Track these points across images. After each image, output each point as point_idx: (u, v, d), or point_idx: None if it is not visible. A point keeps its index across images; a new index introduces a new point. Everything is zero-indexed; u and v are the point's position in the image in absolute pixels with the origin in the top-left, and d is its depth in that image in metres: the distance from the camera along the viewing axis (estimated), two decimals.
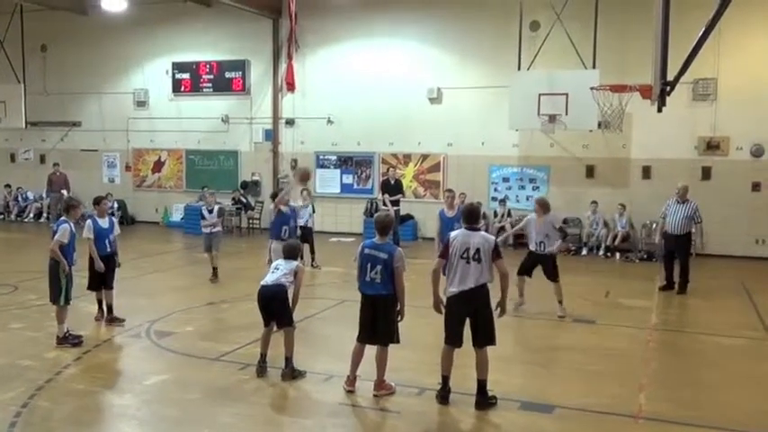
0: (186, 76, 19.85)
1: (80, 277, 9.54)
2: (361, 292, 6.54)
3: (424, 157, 17.83)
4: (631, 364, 7.67)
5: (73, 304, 8.32)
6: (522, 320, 9.44)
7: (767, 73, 14.70)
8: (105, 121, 21.13)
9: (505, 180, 17.19)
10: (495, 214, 16.76)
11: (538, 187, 16.86)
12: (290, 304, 7.08)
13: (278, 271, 7.11)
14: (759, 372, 7.45)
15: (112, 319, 8.94)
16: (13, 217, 21.46)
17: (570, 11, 14.43)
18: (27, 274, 11.73)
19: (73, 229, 8.13)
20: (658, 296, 11.33)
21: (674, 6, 6.36)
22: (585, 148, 16.15)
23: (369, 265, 6.41)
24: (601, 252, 15.67)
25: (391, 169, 16.91)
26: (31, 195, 21.67)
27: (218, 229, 12.12)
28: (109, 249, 8.97)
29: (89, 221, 8.92)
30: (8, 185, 21.87)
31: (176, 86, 20.01)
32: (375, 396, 6.50)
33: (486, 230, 10.13)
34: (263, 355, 7.09)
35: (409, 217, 17.55)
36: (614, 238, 15.53)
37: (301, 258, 7.43)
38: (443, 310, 6.47)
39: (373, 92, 17.91)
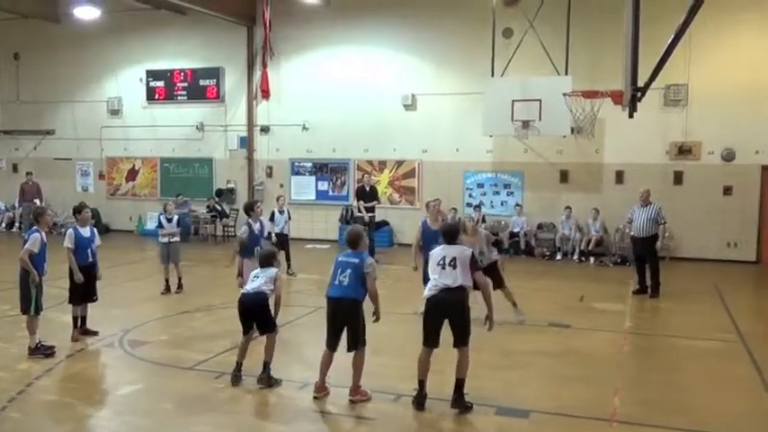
0: (160, 83, 19.70)
1: (51, 287, 9.39)
2: (327, 296, 6.55)
3: (399, 163, 17.88)
4: (606, 368, 7.73)
5: (45, 314, 8.18)
6: (497, 326, 9.46)
7: (737, 78, 14.99)
8: (79, 129, 20.88)
9: (480, 186, 17.29)
10: (471, 220, 16.78)
11: (512, 192, 16.99)
12: (273, 311, 7.05)
13: (258, 279, 7.07)
14: (732, 374, 7.56)
15: (86, 332, 8.75)
16: None
17: (542, 18, 14.59)
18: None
19: (44, 238, 7.99)
20: (632, 300, 11.45)
21: (644, 14, 6.47)
22: (559, 153, 16.32)
23: (339, 270, 6.50)
24: (575, 257, 15.82)
25: (366, 176, 16.91)
26: (2, 205, 21.28)
27: (177, 238, 11.73)
28: (91, 259, 8.76)
29: (70, 230, 8.68)
30: None
31: (150, 94, 19.85)
32: (351, 401, 6.48)
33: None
34: (239, 364, 7.02)
35: (385, 223, 17.56)
36: (588, 242, 15.69)
37: (278, 264, 7.37)
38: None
39: (348, 99, 17.93)
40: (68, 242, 8.54)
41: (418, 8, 17.10)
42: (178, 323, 9.69)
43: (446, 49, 17.02)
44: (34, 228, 8.08)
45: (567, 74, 14.28)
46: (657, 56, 6.73)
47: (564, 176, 16.46)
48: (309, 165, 18.77)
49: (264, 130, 19.08)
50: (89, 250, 8.72)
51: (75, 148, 20.99)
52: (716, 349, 8.60)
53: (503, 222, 16.92)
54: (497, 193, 17.15)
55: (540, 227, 16.66)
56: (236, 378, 6.97)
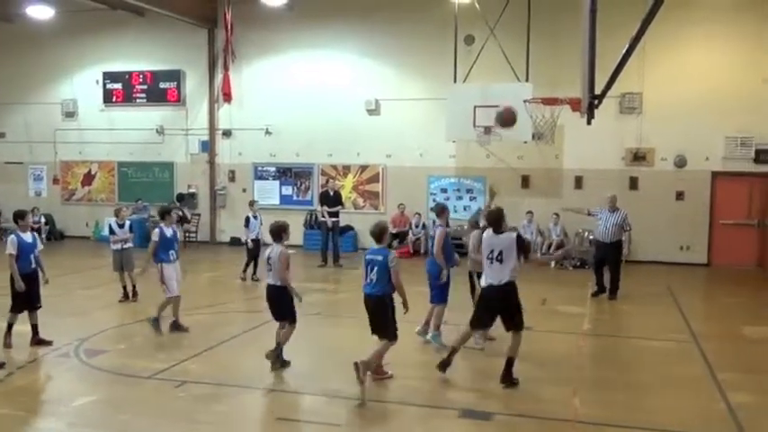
0: (118, 86, 19.32)
1: (1, 296, 9.10)
2: (366, 293, 7.12)
3: (363, 168, 17.89)
4: (566, 370, 7.86)
5: None
6: (457, 329, 9.54)
7: (688, 88, 15.45)
8: (31, 132, 20.31)
9: (443, 191, 17.41)
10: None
11: (475, 197, 17.16)
12: (290, 297, 7.54)
13: (272, 267, 7.49)
14: (687, 373, 7.76)
15: (39, 341, 8.50)
16: None
17: (503, 26, 14.81)
18: None
19: None
20: (591, 302, 11.67)
21: (600, 25, 6.61)
22: (520, 158, 16.55)
23: (369, 269, 7.04)
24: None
25: (330, 180, 16.85)
26: None
27: (130, 245, 11.45)
28: (33, 266, 8.45)
29: (12, 236, 8.33)
30: None
31: (107, 97, 19.45)
32: (374, 380, 7.05)
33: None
34: (277, 343, 7.58)
35: (349, 228, 17.54)
36: (549, 246, 15.94)
37: (286, 237, 7.82)
38: None
39: (312, 103, 17.86)
40: (11, 248, 8.20)
41: (381, 14, 17.17)
42: (136, 331, 9.48)
43: (409, 54, 17.11)
44: None
45: (527, 81, 14.50)
46: (613, 65, 6.88)
47: (525, 181, 16.70)
48: (273, 169, 18.63)
49: (226, 133, 18.87)
50: (32, 256, 8.43)
51: (28, 151, 20.42)
52: (671, 349, 8.82)
53: (466, 227, 17.04)
54: (460, 197, 17.30)
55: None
56: (268, 354, 7.50)
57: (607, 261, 11.85)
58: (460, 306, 8.72)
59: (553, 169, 16.48)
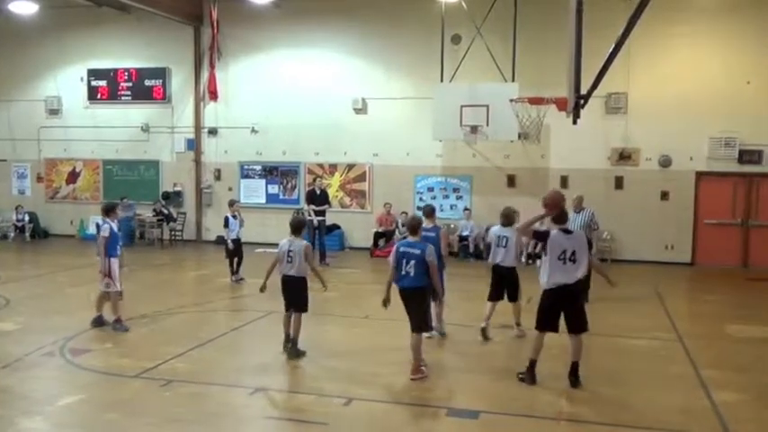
0: (103, 83, 19.18)
1: None
2: (398, 287, 7.22)
3: (350, 167, 17.88)
4: (552, 368, 7.89)
5: None
6: (448, 327, 9.57)
7: (672, 88, 15.60)
8: (14, 129, 20.10)
9: (430, 190, 17.45)
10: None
11: (461, 197, 17.22)
12: (306, 288, 7.88)
13: (293, 259, 7.79)
14: (671, 372, 7.84)
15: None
16: None
17: (490, 26, 14.87)
18: None
19: None
20: None
21: (586, 24, 6.67)
22: (506, 158, 16.63)
23: (404, 261, 7.15)
24: (523, 259, 16.08)
25: (318, 179, 16.83)
26: None
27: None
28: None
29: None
30: None
31: (92, 94, 19.30)
32: (412, 380, 7.10)
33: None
34: (287, 335, 7.92)
35: (336, 227, 17.53)
36: (535, 245, 15.97)
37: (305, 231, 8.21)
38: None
39: (298, 102, 17.83)
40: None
41: (369, 13, 17.17)
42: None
43: (396, 53, 17.13)
44: None
45: (513, 80, 14.58)
46: (599, 66, 6.94)
47: (511, 181, 16.78)
48: (259, 168, 18.57)
49: (212, 132, 18.79)
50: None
51: (11, 148, 20.22)
52: (656, 348, 8.90)
53: (452, 226, 17.10)
54: (447, 197, 17.35)
55: (488, 230, 16.90)
56: (286, 347, 7.90)
57: None
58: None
59: (539, 169, 16.57)
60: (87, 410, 6.47)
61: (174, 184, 19.18)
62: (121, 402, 6.59)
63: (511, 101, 13.44)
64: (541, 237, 6.95)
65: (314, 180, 16.81)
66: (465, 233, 16.70)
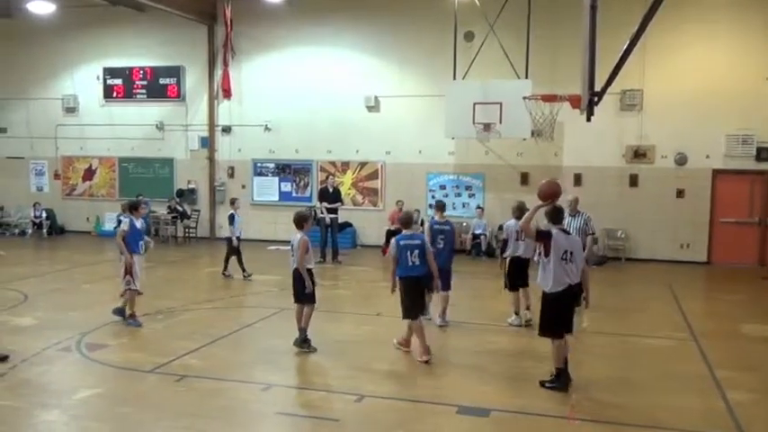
0: (119, 81, 19.34)
1: (3, 288, 9.13)
2: (406, 276, 7.68)
3: (363, 164, 17.91)
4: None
5: None
6: (457, 325, 9.59)
7: (688, 85, 15.47)
8: (32, 127, 20.34)
9: (442, 187, 17.44)
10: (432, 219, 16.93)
11: (474, 194, 17.19)
12: (308, 283, 7.94)
13: (294, 253, 7.99)
14: (685, 371, 7.78)
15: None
16: None
17: (503, 22, 14.81)
18: None
19: None
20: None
21: (601, 21, 6.62)
22: (519, 155, 16.57)
23: (408, 253, 7.63)
24: (536, 257, 16.03)
25: (330, 177, 16.90)
26: None
27: None
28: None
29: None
30: None
31: (108, 92, 19.47)
32: (425, 362, 7.60)
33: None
34: (301, 329, 8.05)
35: (348, 225, 17.57)
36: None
37: (308, 225, 8.29)
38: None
39: (311, 99, 17.88)
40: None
41: (381, 10, 17.18)
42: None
43: (409, 51, 17.12)
44: None
45: (527, 77, 14.52)
46: (614, 62, 6.89)
47: (524, 178, 16.72)
48: (272, 165, 18.65)
49: (226, 130, 18.89)
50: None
51: (29, 146, 20.44)
52: (670, 347, 8.85)
53: (464, 224, 17.09)
54: (459, 194, 17.33)
55: (500, 228, 16.86)
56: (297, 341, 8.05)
57: None
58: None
59: (553, 166, 16.49)
60: (103, 404, 6.55)
61: (188, 182, 19.31)
62: (136, 397, 6.67)
63: (524, 98, 13.39)
64: (545, 236, 6.88)
65: (326, 178, 16.87)
66: (478, 231, 16.67)
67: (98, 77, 19.51)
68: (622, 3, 11.46)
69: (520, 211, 9.20)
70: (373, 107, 17.60)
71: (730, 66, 15.25)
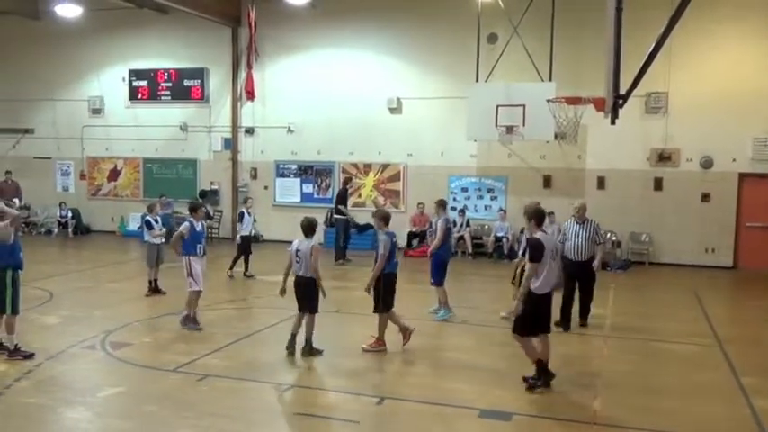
0: (144, 83, 19.57)
1: (30, 287, 9.26)
2: (391, 272, 8.16)
3: (384, 166, 17.92)
4: (587, 371, 7.82)
5: (23, 315, 8.09)
6: (480, 328, 9.55)
7: (715, 87, 15.24)
8: (59, 128, 20.66)
9: (464, 190, 17.39)
10: (455, 224, 16.90)
11: (496, 197, 17.11)
12: (317, 289, 7.96)
13: (302, 260, 7.87)
14: (710, 378, 7.68)
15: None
16: None
17: (527, 25, 14.72)
18: None
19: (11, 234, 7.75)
20: (612, 304, 11.57)
21: (625, 23, 6.57)
22: (542, 158, 16.46)
23: (396, 250, 8.05)
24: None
25: (352, 179, 17.13)
26: None
27: (164, 240, 11.58)
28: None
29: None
30: None
31: (133, 94, 19.71)
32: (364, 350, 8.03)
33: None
34: (293, 335, 8.00)
35: (369, 226, 17.56)
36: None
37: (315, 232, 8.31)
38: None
39: (334, 101, 17.94)
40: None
41: (404, 12, 17.18)
42: (161, 325, 9.63)
43: (431, 53, 17.10)
44: None
45: (550, 80, 14.40)
46: (639, 64, 6.83)
47: (547, 181, 16.60)
48: (294, 167, 18.75)
49: (249, 131, 19.03)
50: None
51: (56, 147, 20.77)
52: (694, 353, 8.73)
53: (486, 227, 17.03)
54: (481, 197, 17.26)
55: (522, 231, 16.75)
56: (290, 346, 7.97)
57: (579, 282, 9.67)
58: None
59: (576, 169, 16.37)
60: (127, 402, 6.64)
61: (211, 183, 19.47)
62: (160, 395, 6.74)
63: (547, 101, 13.27)
64: (538, 247, 6.82)
65: (348, 180, 16.91)
66: (500, 234, 16.59)
67: (124, 79, 19.76)
68: (647, 5, 11.34)
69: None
70: (395, 109, 17.61)
71: (757, 68, 15.00)
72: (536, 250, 6.80)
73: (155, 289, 11.39)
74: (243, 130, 19.09)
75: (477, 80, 15.30)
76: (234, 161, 19.21)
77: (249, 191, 19.04)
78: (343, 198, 15.87)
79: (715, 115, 15.29)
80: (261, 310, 10.99)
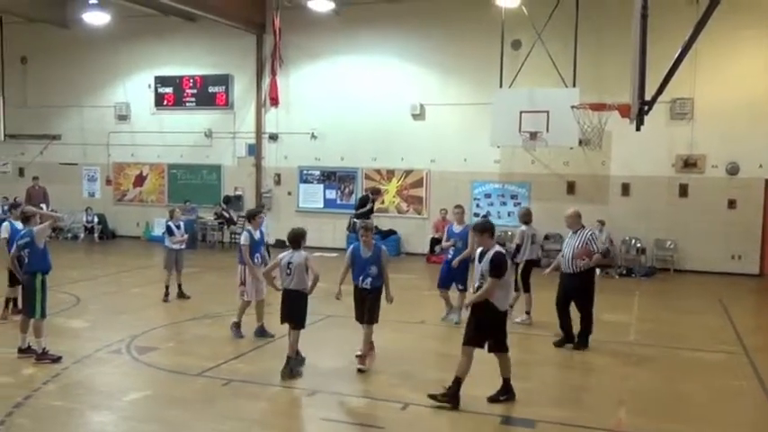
0: (169, 90, 19.83)
1: (57, 292, 9.40)
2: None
3: (407, 172, 17.94)
4: (611, 378, 7.75)
5: (50, 319, 8.22)
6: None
7: (741, 93, 15.04)
8: (86, 134, 20.99)
9: (487, 196, 17.33)
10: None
11: (519, 203, 17.01)
12: (306, 303, 7.54)
13: (293, 272, 7.37)
14: (736, 387, 7.57)
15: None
16: None
17: (551, 31, 14.67)
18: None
19: (35, 239, 7.90)
20: (637, 311, 11.45)
21: (651, 28, 6.52)
22: (566, 164, 16.36)
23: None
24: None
25: (373, 185, 17.22)
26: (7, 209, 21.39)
27: (184, 246, 11.69)
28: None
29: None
30: None
31: (159, 100, 19.97)
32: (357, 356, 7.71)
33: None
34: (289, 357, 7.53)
35: (392, 232, 17.61)
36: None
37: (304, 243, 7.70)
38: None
39: (357, 107, 18.01)
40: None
41: (428, 19, 17.20)
42: (185, 330, 9.75)
43: (455, 59, 17.10)
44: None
45: (574, 86, 14.34)
46: (664, 70, 6.77)
47: (571, 188, 16.49)
48: (317, 173, 18.85)
49: (273, 137, 19.18)
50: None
51: (82, 153, 21.10)
52: (720, 361, 8.60)
53: (509, 233, 16.93)
54: (504, 203, 17.20)
55: (546, 238, 16.67)
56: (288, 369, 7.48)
57: (573, 298, 8.99)
58: None
59: (600, 176, 16.23)
60: (152, 406, 6.72)
61: (235, 189, 19.65)
62: (185, 399, 6.81)
63: (572, 107, 13.20)
64: (505, 264, 6.63)
65: (377, 191, 16.87)
66: None
67: (149, 86, 20.03)
68: (673, 10, 11.25)
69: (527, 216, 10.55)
70: (418, 115, 17.63)
71: None
72: (503, 266, 6.54)
73: (179, 294, 11.50)
74: (267, 136, 19.24)
75: (500, 86, 15.28)
76: (258, 167, 19.36)
77: (273, 196, 19.18)
78: (363, 204, 15.91)
79: (741, 121, 15.08)
80: None
